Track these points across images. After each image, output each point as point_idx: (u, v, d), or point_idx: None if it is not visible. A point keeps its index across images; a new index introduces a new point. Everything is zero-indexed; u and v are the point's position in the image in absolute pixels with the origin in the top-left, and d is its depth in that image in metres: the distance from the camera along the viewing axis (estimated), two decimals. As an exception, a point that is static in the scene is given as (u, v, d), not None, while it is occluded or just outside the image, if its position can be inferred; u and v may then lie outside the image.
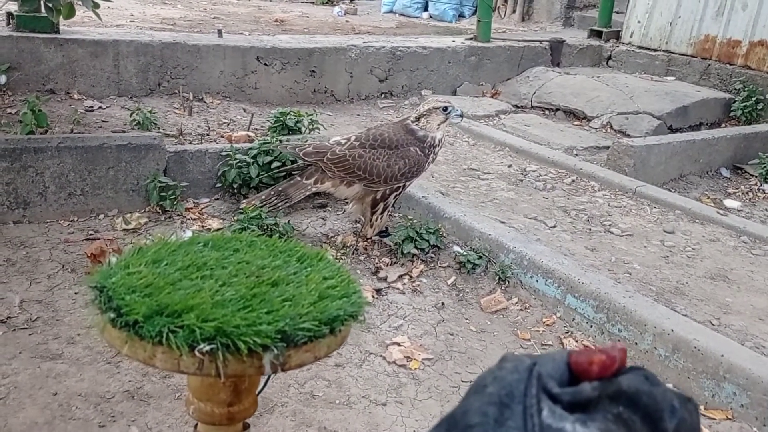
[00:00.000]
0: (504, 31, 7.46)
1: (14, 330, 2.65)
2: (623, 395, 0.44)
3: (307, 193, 3.46)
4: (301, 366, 1.18)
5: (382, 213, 3.38)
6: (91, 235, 3.39)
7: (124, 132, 3.92)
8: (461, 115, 3.35)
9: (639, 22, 7.03)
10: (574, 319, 3.03)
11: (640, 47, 7.01)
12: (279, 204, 3.41)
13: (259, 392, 1.50)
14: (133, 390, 2.41)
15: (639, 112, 5.66)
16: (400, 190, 3.37)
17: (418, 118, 3.29)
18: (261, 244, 1.44)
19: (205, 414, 1.30)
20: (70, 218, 3.49)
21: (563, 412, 0.43)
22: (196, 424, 1.36)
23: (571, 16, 8.66)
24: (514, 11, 9.07)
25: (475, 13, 7.72)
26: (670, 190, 4.55)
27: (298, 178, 3.43)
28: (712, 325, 2.90)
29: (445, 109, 3.25)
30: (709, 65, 6.49)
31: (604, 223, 3.86)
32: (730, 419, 2.49)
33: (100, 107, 4.40)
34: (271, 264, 1.35)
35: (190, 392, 1.34)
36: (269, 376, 1.60)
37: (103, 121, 4.19)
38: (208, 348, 1.08)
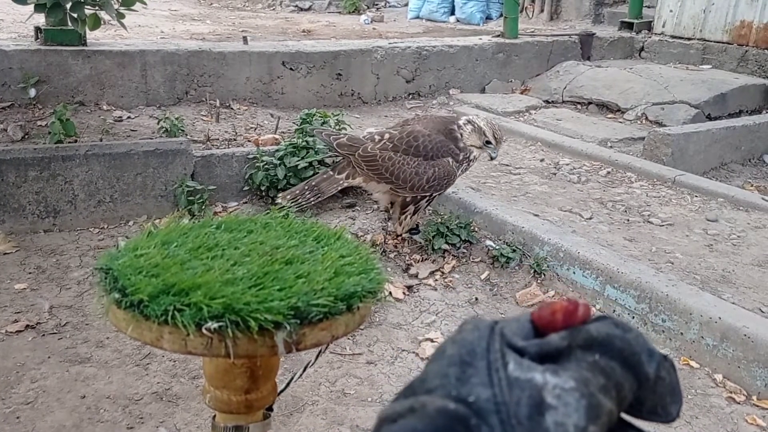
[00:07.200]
0: (532, 31, 7.35)
1: (43, 335, 2.64)
2: (595, 342, 0.40)
3: (339, 188, 3.38)
4: (317, 345, 1.12)
5: (412, 215, 3.29)
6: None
7: (152, 140, 3.92)
8: (493, 158, 3.22)
9: (671, 11, 6.85)
10: (614, 311, 2.90)
11: (673, 36, 6.83)
12: (312, 198, 3.33)
13: (287, 385, 1.43)
14: (161, 391, 2.37)
15: (675, 101, 5.49)
16: (432, 198, 3.27)
17: (468, 123, 3.14)
18: (276, 225, 1.37)
19: (221, 402, 1.24)
20: (100, 225, 3.50)
21: (531, 363, 0.39)
22: (215, 415, 1.30)
23: (600, 13, 8.49)
24: (542, 10, 8.94)
25: (502, 15, 7.62)
26: (711, 179, 4.39)
27: (331, 173, 3.36)
28: (762, 312, 2.75)
29: (488, 142, 3.12)
30: (746, 51, 6.28)
31: (643, 213, 3.72)
32: (786, 409, 2.34)
33: (128, 117, 4.43)
34: (286, 244, 1.29)
35: (206, 380, 1.28)
36: (296, 374, 1.52)
37: (132, 130, 4.21)
38: (216, 326, 1.02)
